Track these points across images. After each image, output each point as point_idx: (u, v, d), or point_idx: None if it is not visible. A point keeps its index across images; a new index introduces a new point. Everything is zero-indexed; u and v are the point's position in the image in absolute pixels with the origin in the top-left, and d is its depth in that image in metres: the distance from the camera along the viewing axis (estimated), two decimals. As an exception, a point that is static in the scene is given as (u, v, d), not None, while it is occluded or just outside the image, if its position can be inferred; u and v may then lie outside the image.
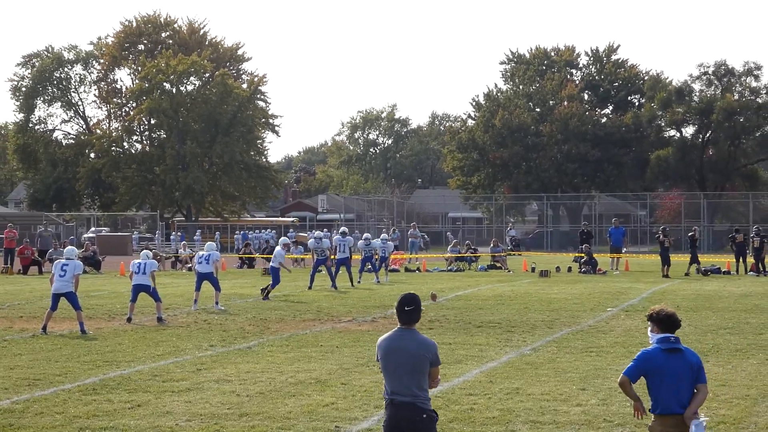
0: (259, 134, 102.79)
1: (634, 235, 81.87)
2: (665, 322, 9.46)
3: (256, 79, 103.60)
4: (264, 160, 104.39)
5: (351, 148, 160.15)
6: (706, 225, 78.83)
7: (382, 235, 47.19)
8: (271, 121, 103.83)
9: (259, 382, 17.07)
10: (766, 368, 18.22)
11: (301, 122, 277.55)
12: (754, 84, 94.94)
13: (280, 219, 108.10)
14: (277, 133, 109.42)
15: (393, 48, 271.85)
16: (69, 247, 27.37)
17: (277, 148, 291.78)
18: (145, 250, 29.78)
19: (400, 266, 51.96)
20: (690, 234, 48.52)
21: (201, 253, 31.29)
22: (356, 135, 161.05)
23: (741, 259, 45.50)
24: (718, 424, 13.73)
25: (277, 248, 35.04)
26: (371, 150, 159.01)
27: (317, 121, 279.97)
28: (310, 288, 37.19)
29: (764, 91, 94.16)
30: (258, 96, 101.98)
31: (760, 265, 44.57)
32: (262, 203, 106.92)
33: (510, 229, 66.98)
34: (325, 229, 58.83)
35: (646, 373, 9.49)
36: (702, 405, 9.39)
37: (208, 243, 32.10)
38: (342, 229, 42.45)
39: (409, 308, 9.41)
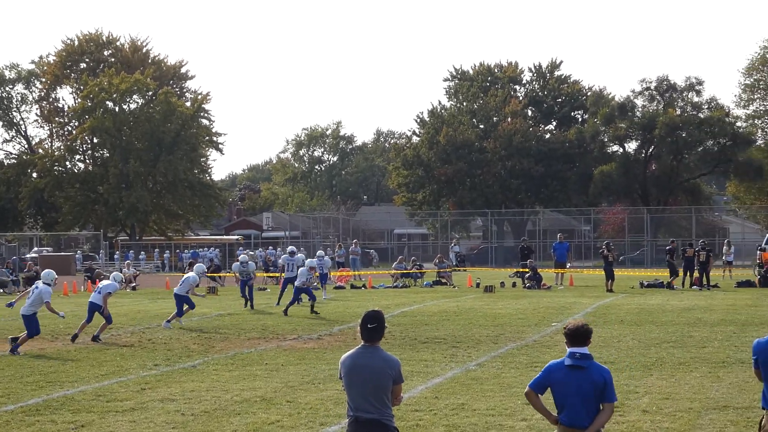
0: (203, 152, 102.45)
1: (579, 250, 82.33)
2: (572, 336, 9.38)
3: (199, 97, 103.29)
4: (208, 178, 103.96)
5: (296, 165, 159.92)
6: (649, 239, 79.45)
7: (318, 252, 47.02)
8: (215, 139, 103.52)
9: (204, 401, 16.97)
10: (710, 381, 18.37)
11: (245, 140, 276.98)
12: (696, 99, 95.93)
13: (225, 237, 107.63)
14: (221, 150, 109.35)
15: (337, 65, 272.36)
16: (45, 270, 27.19)
17: (222, 166, 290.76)
18: (116, 273, 30.17)
19: (346, 283, 51.94)
20: (602, 251, 47.02)
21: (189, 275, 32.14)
22: (301, 152, 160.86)
23: (688, 273, 45.72)
24: (662, 437, 13.83)
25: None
26: (316, 167, 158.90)
27: (262, 138, 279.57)
28: (252, 307, 37.05)
29: (706, 106, 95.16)
30: (202, 114, 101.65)
31: (704, 279, 44.86)
32: (206, 221, 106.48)
33: (455, 245, 67.10)
34: (259, 249, 58.66)
35: (550, 386, 9.44)
36: (605, 424, 9.27)
37: (198, 265, 32.48)
38: (290, 248, 42.35)
39: (372, 326, 9.42)
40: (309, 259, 40.26)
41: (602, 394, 9.23)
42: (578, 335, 9.40)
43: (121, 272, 57.64)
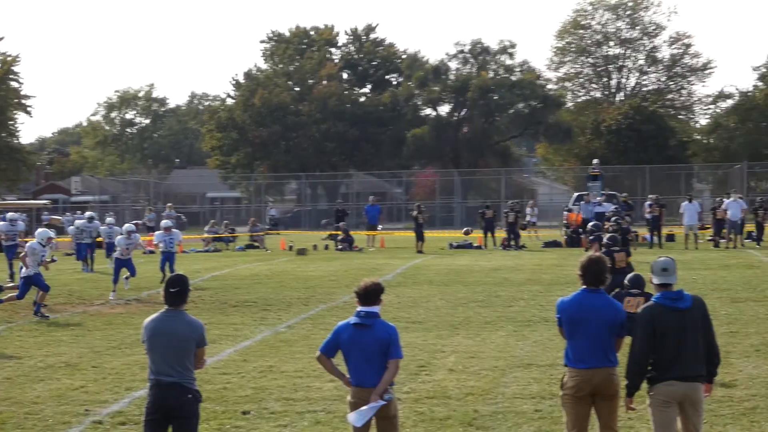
0: (11, 115, 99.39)
1: (391, 213, 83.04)
2: (362, 295, 9.47)
3: (9, 59, 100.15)
4: (16, 141, 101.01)
5: (107, 128, 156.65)
6: (459, 201, 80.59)
7: (107, 219, 44.25)
8: (23, 101, 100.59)
9: (7, 368, 16.58)
10: (515, 340, 18.75)
11: (55, 102, 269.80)
12: (508, 62, 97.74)
13: (32, 202, 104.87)
14: (29, 113, 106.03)
15: (151, 25, 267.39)
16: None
17: (30, 129, 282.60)
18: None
19: (157, 249, 51.11)
20: (413, 213, 47.85)
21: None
22: (112, 115, 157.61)
23: (490, 234, 46.54)
24: (467, 396, 14.03)
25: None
26: (128, 130, 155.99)
27: (72, 101, 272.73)
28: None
29: (518, 69, 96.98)
30: (10, 76, 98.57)
31: (512, 240, 45.67)
32: (13, 186, 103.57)
33: (270, 208, 66.72)
34: (67, 213, 57.26)
35: (339, 347, 9.49)
36: (391, 381, 9.38)
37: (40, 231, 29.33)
38: (108, 220, 41.33)
39: (174, 289, 9.39)
40: (126, 225, 39.31)
41: (387, 351, 9.31)
42: (368, 294, 9.48)
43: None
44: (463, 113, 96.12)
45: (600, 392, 9.43)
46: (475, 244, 46.97)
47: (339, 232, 49.39)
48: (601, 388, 9.41)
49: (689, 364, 9.21)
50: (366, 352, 9.28)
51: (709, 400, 9.59)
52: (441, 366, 16.04)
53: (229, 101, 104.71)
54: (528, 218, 54.46)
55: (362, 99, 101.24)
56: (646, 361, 9.25)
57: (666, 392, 9.20)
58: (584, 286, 9.55)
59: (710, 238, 45.12)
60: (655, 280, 9.41)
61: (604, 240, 21.56)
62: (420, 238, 44.91)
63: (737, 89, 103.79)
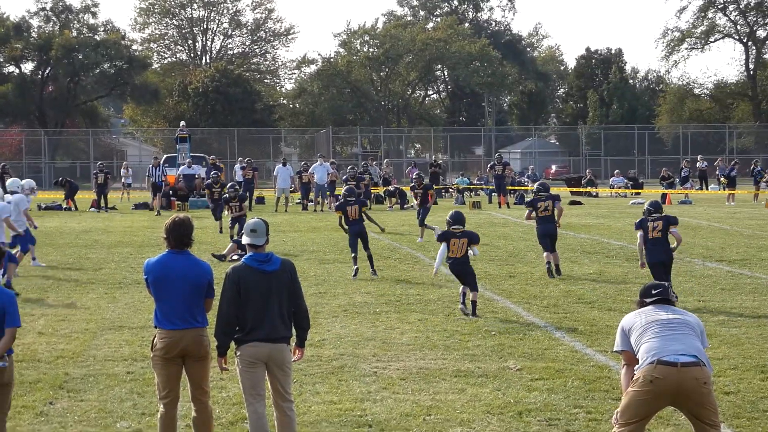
0: None
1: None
2: None
3: None
4: None
5: None
6: (47, 162, 78.55)
7: None
8: None
9: None
10: (106, 302, 18.73)
11: None
12: (91, 21, 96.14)
13: None
14: None
15: None
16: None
17: None
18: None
19: None
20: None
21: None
22: None
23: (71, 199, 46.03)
24: (57, 359, 13.95)
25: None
26: None
27: None
28: None
29: (102, 29, 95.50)
30: None
31: (102, 201, 45.15)
32: None
33: None
34: None
35: None
36: (7, 349, 9.25)
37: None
38: None
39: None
40: None
41: (2, 320, 9.25)
42: None
43: None
44: (47, 72, 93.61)
45: (189, 353, 9.48)
46: (64, 206, 46.06)
47: None
48: (190, 349, 9.47)
49: (274, 325, 9.35)
50: None
51: (299, 360, 10.02)
52: (30, 329, 15.82)
53: None
54: (123, 179, 53.97)
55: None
56: (232, 321, 9.32)
57: (251, 353, 9.31)
58: (169, 248, 9.63)
59: (298, 201, 46.43)
60: (245, 240, 9.53)
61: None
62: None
63: (320, 55, 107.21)
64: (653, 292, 8.91)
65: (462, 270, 17.41)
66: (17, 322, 9.32)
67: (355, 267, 21.93)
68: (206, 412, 9.68)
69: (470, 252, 17.49)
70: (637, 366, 8.55)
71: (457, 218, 17.54)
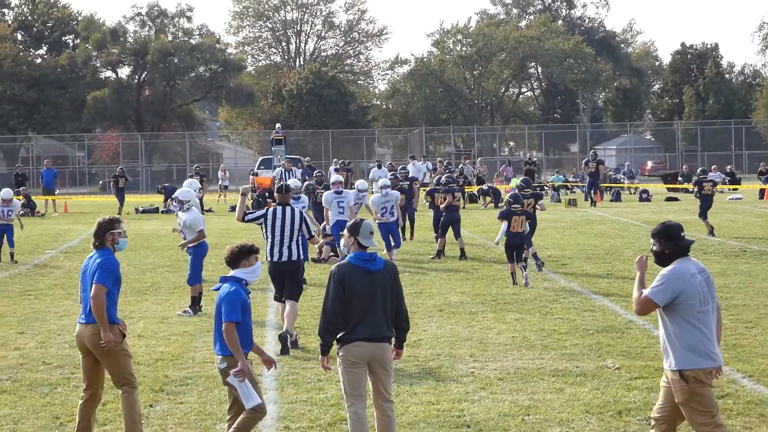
0: None
1: (73, 177, 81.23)
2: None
3: None
4: None
5: None
6: (144, 165, 79.69)
7: None
8: None
9: None
10: (203, 304, 18.85)
11: None
12: (186, 25, 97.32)
13: None
14: None
15: None
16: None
17: None
18: None
19: None
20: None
21: None
22: None
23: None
24: (156, 362, 14.11)
25: None
26: None
27: None
28: None
29: (197, 33, 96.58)
30: None
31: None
32: None
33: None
34: None
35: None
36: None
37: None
38: None
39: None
40: None
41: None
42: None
43: None
44: (144, 77, 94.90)
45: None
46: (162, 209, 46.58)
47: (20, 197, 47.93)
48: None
49: (377, 324, 9.33)
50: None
51: (397, 360, 9.99)
52: (130, 332, 16.00)
53: None
54: (220, 182, 54.61)
55: (38, 61, 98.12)
56: (337, 319, 9.30)
57: (354, 353, 9.30)
58: None
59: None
60: (362, 242, 9.54)
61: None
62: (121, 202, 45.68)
63: (413, 55, 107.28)
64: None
65: (520, 242, 20.65)
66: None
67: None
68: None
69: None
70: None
71: (517, 199, 21.09)
